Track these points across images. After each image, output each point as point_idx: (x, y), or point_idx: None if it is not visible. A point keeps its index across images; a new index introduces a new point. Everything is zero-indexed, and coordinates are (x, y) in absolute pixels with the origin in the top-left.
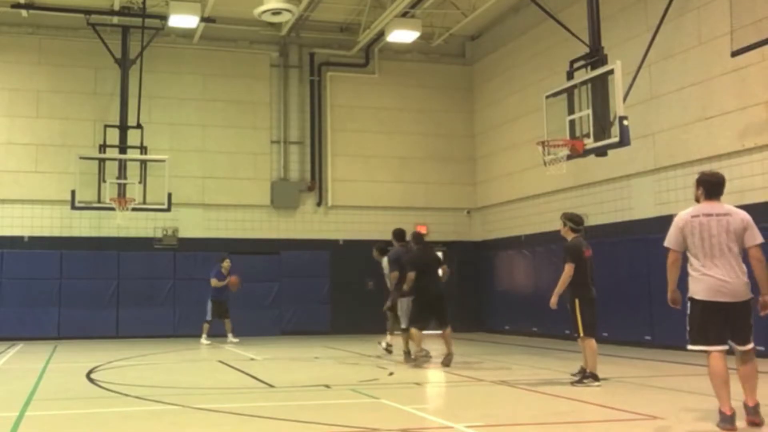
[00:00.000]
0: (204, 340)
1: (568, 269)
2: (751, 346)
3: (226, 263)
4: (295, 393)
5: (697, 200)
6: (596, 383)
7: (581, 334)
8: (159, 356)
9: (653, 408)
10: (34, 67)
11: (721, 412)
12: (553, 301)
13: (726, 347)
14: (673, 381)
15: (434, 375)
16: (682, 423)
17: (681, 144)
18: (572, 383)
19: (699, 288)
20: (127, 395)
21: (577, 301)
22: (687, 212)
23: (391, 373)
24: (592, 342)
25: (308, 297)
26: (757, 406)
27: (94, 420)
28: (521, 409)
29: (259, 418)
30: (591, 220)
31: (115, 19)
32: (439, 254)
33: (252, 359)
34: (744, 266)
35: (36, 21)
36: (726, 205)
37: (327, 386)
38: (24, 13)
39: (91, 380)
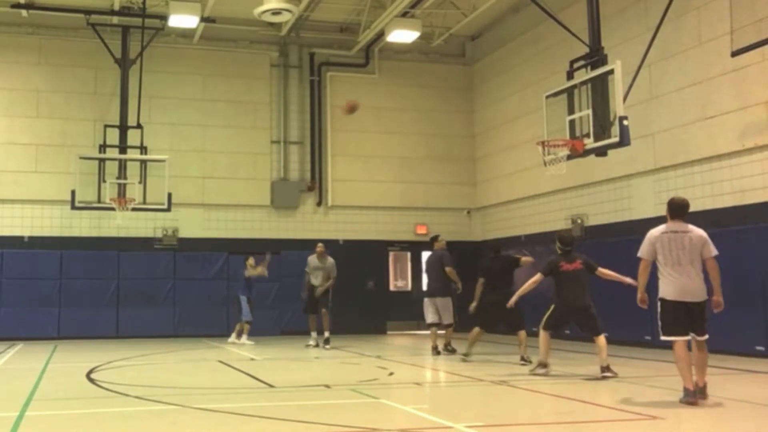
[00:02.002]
0: (247, 341)
1: (536, 276)
2: (707, 336)
3: (251, 260)
4: (295, 393)
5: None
6: (543, 370)
7: (540, 326)
8: (159, 356)
9: (653, 408)
10: (34, 67)
11: (685, 389)
12: (512, 301)
13: (688, 338)
14: (673, 381)
15: (434, 375)
16: (682, 423)
17: (681, 144)
18: (529, 371)
19: (668, 290)
20: (127, 395)
21: (552, 306)
22: (658, 229)
23: (391, 373)
24: (545, 335)
25: None
26: (705, 386)
27: (94, 420)
28: (521, 409)
29: (259, 418)
30: (591, 220)
31: (115, 19)
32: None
33: (252, 359)
34: (702, 273)
35: (36, 21)
36: (688, 224)
37: (327, 386)
38: (24, 13)
39: (91, 380)
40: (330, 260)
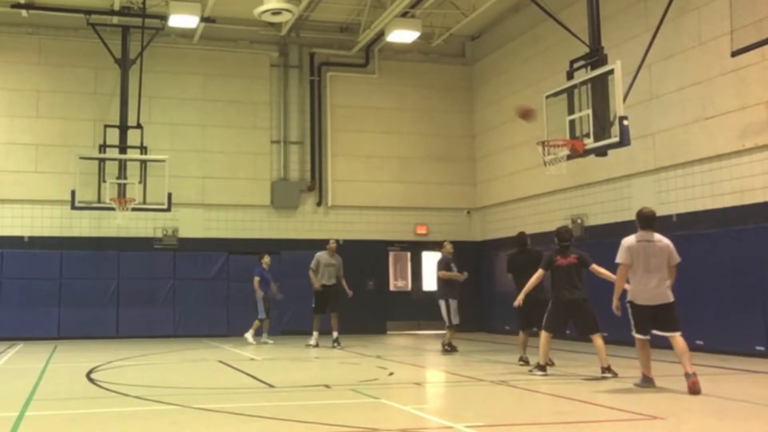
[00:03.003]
0: (267, 339)
1: (538, 272)
2: (678, 333)
3: (266, 258)
4: (295, 393)
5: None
6: (540, 373)
7: (541, 328)
8: (159, 356)
9: (653, 408)
10: (34, 67)
11: (644, 375)
12: (519, 299)
13: (649, 336)
14: (673, 381)
15: (434, 375)
16: (682, 423)
17: (681, 144)
18: (528, 371)
19: (639, 295)
20: (127, 395)
21: (550, 303)
22: (632, 238)
23: (391, 373)
24: (545, 335)
25: (309, 297)
26: (694, 373)
27: (94, 420)
28: (521, 409)
29: (260, 418)
30: (591, 220)
31: (115, 19)
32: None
33: (252, 359)
34: (666, 279)
35: (36, 21)
36: (656, 234)
37: (327, 386)
38: (24, 13)
39: (91, 380)
40: (339, 257)
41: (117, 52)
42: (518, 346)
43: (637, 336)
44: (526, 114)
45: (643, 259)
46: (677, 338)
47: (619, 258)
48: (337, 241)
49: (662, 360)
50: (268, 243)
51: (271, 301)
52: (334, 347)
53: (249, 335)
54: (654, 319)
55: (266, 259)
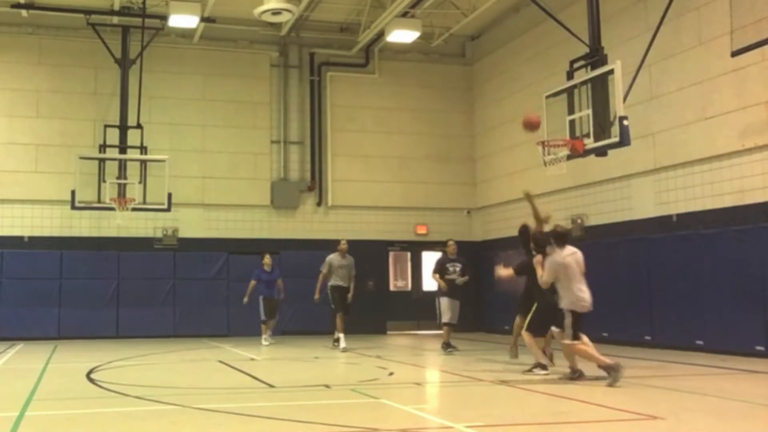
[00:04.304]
0: (264, 341)
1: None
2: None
3: (267, 259)
4: (295, 393)
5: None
6: (542, 372)
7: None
8: (159, 356)
9: (653, 408)
10: (34, 67)
11: (603, 366)
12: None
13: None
14: (673, 381)
15: (434, 375)
16: (682, 423)
17: (681, 144)
18: (524, 372)
19: (579, 304)
20: (127, 395)
21: (536, 305)
22: (560, 254)
23: (391, 373)
24: (528, 336)
25: (308, 297)
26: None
27: (94, 420)
28: (521, 409)
29: (260, 418)
30: (591, 220)
31: (115, 19)
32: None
33: (252, 359)
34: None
35: (36, 21)
36: (571, 247)
37: (327, 386)
38: (24, 13)
39: (91, 380)
40: (351, 258)
41: (117, 52)
42: (534, 353)
43: (578, 341)
44: (531, 125)
45: (572, 270)
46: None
47: (548, 276)
48: (337, 241)
49: (662, 360)
50: (268, 243)
51: (279, 301)
52: (333, 347)
53: (263, 340)
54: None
55: (266, 260)
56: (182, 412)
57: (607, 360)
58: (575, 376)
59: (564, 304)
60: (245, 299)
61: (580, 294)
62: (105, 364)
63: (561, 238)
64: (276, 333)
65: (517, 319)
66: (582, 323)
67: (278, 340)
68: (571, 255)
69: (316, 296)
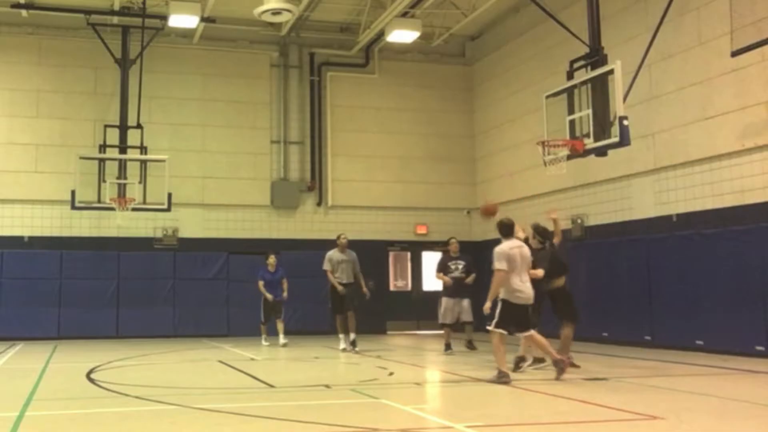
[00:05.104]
0: (264, 342)
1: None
2: (532, 331)
3: (272, 259)
4: (295, 393)
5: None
6: (541, 365)
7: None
8: (159, 356)
9: (653, 408)
10: (34, 67)
11: (500, 371)
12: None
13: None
14: (673, 381)
15: (434, 375)
16: (682, 423)
17: (681, 144)
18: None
19: (515, 295)
20: (127, 395)
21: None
22: (506, 246)
23: (391, 373)
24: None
25: (308, 297)
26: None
27: (94, 420)
28: (521, 409)
29: (259, 418)
30: (591, 220)
31: (115, 19)
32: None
33: (252, 359)
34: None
35: (36, 21)
36: (517, 240)
37: (327, 386)
38: (24, 13)
39: (91, 380)
40: (353, 252)
41: (117, 52)
42: (545, 351)
43: (498, 330)
44: (488, 212)
45: (517, 263)
46: (530, 335)
47: (500, 265)
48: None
49: (662, 360)
50: (268, 243)
51: (282, 302)
52: (354, 351)
53: (263, 340)
54: (519, 317)
55: (270, 260)
56: (182, 412)
57: (505, 368)
58: (519, 365)
59: (501, 293)
60: (284, 294)
61: (518, 285)
62: (105, 364)
63: (507, 228)
64: (276, 333)
65: (566, 330)
66: (520, 316)
67: (278, 339)
68: (517, 248)
69: (364, 290)
